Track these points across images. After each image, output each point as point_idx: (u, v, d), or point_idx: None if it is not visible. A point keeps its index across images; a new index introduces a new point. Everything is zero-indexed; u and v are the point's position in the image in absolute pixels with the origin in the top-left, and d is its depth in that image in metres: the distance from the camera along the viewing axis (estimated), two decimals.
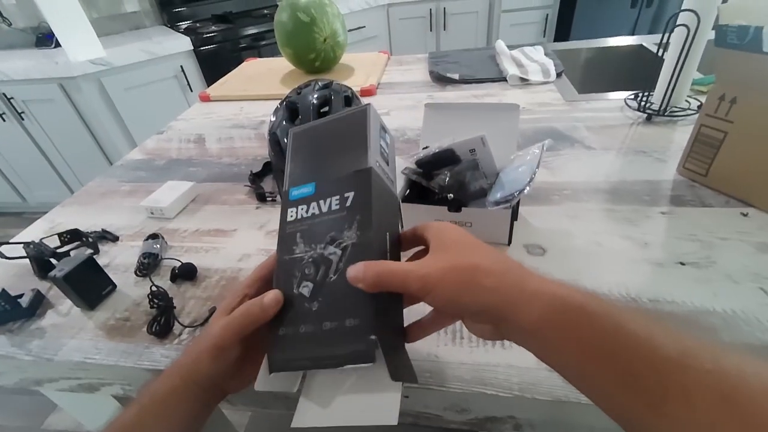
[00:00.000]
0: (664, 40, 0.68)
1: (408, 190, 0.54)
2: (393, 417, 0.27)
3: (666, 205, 0.54)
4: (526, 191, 0.44)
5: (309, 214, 0.32)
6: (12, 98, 1.75)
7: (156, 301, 0.46)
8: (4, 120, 1.82)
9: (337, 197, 0.31)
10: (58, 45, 1.85)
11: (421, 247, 0.33)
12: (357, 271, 0.27)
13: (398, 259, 0.33)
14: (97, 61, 1.65)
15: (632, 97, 0.80)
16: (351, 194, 0.31)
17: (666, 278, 0.44)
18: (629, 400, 0.21)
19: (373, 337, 0.26)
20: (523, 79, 0.95)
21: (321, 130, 0.37)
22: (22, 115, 1.81)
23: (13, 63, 1.76)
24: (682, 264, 0.45)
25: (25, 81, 1.70)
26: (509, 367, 0.37)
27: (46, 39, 1.95)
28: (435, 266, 0.27)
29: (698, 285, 0.42)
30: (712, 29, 0.66)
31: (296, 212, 0.33)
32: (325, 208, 0.31)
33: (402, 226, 0.36)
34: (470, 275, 0.26)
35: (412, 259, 0.35)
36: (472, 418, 0.39)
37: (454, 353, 0.39)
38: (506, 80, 0.97)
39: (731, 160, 0.52)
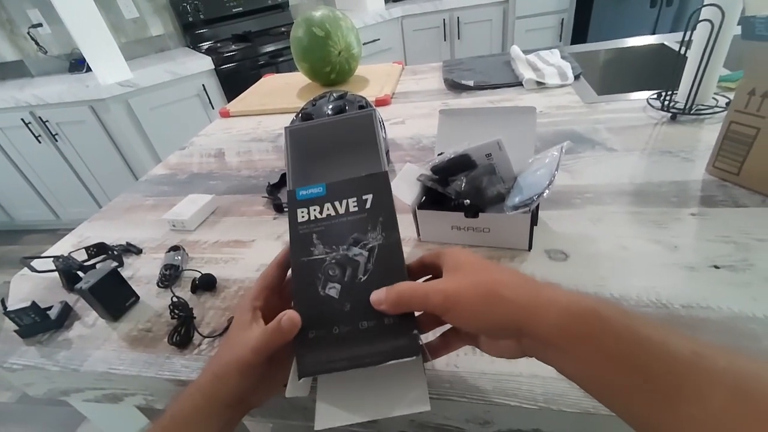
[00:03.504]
0: (687, 38, 0.66)
1: (424, 197, 0.53)
2: (425, 402, 0.28)
3: (696, 206, 0.51)
4: (545, 194, 0.42)
5: (324, 215, 0.32)
6: (47, 121, 1.85)
7: (177, 311, 0.47)
8: (40, 142, 1.92)
9: (354, 199, 0.32)
10: (89, 69, 1.95)
11: (429, 276, 0.33)
12: (379, 294, 0.29)
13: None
14: (124, 83, 1.73)
15: (655, 96, 0.77)
16: (370, 196, 0.32)
17: (699, 283, 0.41)
18: (646, 403, 0.21)
19: (415, 331, 0.28)
20: (539, 83, 0.94)
21: (320, 130, 0.37)
22: (56, 136, 1.90)
23: (48, 88, 1.86)
24: (717, 267, 0.43)
25: (58, 104, 1.79)
26: (533, 377, 0.35)
27: (78, 64, 2.06)
28: (455, 283, 0.28)
29: (735, 289, 0.40)
30: (738, 24, 0.64)
31: (308, 213, 0.33)
32: (341, 210, 0.32)
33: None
34: (490, 288, 0.27)
35: None
36: (496, 431, 0.37)
37: (474, 363, 0.37)
38: (522, 85, 0.96)
39: (765, 157, 0.49)
